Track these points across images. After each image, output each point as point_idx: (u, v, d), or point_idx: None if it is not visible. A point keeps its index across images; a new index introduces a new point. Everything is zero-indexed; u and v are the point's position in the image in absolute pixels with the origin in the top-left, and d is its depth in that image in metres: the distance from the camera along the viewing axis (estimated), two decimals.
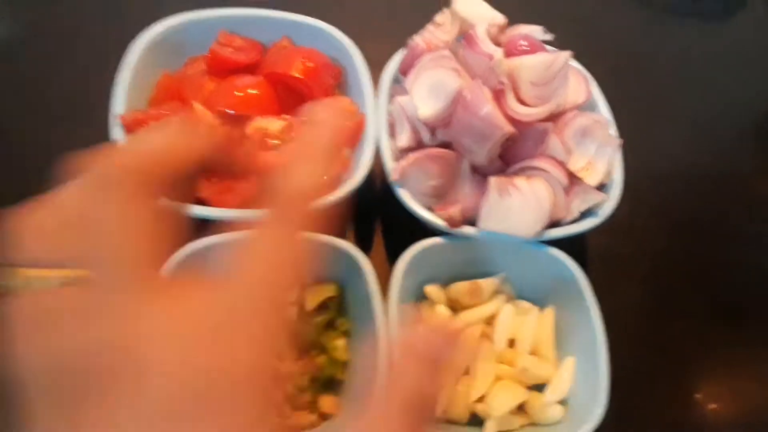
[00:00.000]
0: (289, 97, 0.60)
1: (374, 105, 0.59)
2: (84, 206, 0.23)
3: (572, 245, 0.55)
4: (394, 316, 0.50)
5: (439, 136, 0.57)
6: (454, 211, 0.53)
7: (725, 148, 0.76)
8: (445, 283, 0.57)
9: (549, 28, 0.60)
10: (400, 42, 0.61)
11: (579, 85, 0.59)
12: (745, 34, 0.86)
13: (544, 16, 0.63)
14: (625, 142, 0.58)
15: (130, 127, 0.55)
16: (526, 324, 0.55)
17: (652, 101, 0.78)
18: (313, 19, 0.63)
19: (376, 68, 0.61)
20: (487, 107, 0.50)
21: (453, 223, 0.53)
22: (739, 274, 0.67)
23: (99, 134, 0.60)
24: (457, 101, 0.52)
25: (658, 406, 0.60)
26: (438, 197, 0.56)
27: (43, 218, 0.24)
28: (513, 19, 0.61)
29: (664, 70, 0.81)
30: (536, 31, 0.61)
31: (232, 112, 0.57)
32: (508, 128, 0.50)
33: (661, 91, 0.80)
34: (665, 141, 0.75)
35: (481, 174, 0.55)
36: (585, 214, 0.55)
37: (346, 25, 0.63)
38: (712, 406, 0.60)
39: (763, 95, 0.81)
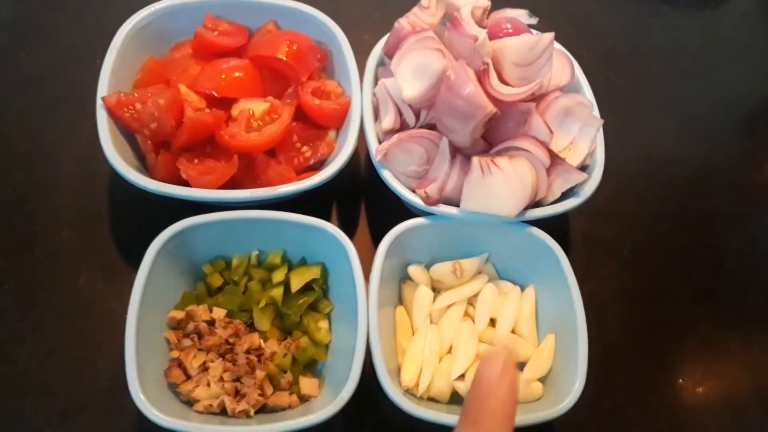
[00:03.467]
0: (274, 79, 0.61)
1: (359, 88, 0.59)
2: None
3: (555, 228, 0.55)
4: (375, 299, 0.50)
5: (423, 118, 0.57)
6: (431, 188, 0.53)
7: (711, 135, 0.77)
8: (429, 263, 0.58)
9: (534, 14, 0.61)
10: (386, 30, 0.61)
11: (563, 66, 0.59)
12: (735, 24, 0.87)
13: (530, 1, 0.63)
14: (610, 128, 0.58)
15: (113, 109, 0.55)
16: (507, 303, 0.55)
17: (639, 89, 0.79)
18: (298, 3, 0.63)
19: (362, 56, 0.62)
20: (470, 87, 0.50)
21: (429, 200, 0.53)
22: (721, 258, 0.68)
23: (86, 116, 0.61)
24: (441, 81, 0.52)
25: (638, 386, 0.60)
26: (421, 179, 0.56)
27: None
28: (498, 4, 0.61)
29: (652, 58, 0.82)
30: (521, 15, 0.61)
31: (216, 94, 0.58)
32: (491, 108, 0.50)
33: (648, 79, 0.80)
34: (651, 128, 0.76)
35: (464, 155, 0.55)
36: (567, 195, 0.55)
37: (333, 12, 0.63)
38: (692, 386, 0.60)
39: (750, 85, 0.82)
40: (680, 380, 0.61)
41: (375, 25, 0.65)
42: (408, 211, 0.61)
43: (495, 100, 0.51)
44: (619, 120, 0.72)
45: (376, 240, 0.63)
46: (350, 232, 0.64)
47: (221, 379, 0.50)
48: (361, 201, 0.66)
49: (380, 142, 0.56)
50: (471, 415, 0.36)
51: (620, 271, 0.65)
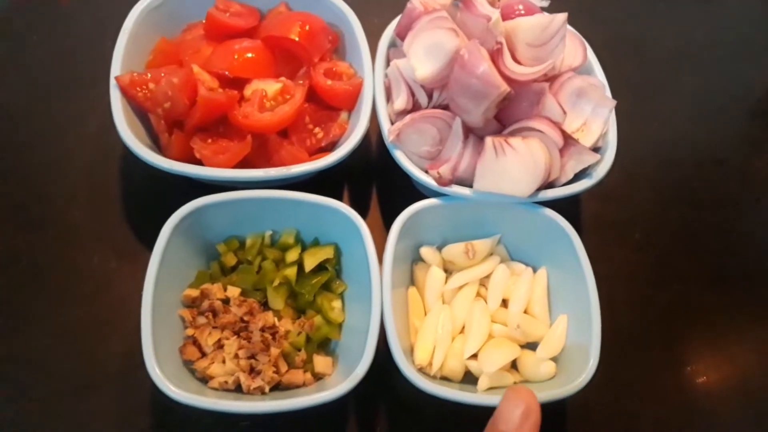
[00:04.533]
0: (286, 60, 0.61)
1: (371, 69, 0.59)
2: None
3: (567, 212, 0.55)
4: (388, 278, 0.51)
5: (436, 99, 0.57)
6: (444, 169, 0.53)
7: (720, 122, 0.77)
8: (441, 244, 0.58)
9: None
10: (396, 13, 0.61)
11: (575, 48, 0.59)
12: (744, 13, 0.86)
13: None
14: (620, 113, 0.58)
15: (126, 89, 0.55)
16: (519, 284, 0.55)
17: (648, 75, 0.79)
18: None
19: (372, 38, 0.61)
20: (484, 66, 0.50)
21: (442, 181, 0.53)
22: (731, 242, 0.68)
23: (99, 98, 0.61)
24: (454, 61, 0.52)
25: (648, 368, 0.60)
26: (434, 159, 0.56)
27: None
28: None
29: (662, 45, 0.81)
30: None
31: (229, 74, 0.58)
32: (505, 87, 0.50)
33: (657, 65, 0.80)
34: (660, 113, 0.76)
35: (477, 135, 0.55)
36: (579, 177, 0.55)
37: None
38: (701, 369, 0.61)
39: (759, 74, 0.81)
40: (690, 362, 0.61)
41: (384, 8, 0.65)
42: (419, 193, 0.62)
43: (509, 80, 0.51)
44: (629, 105, 0.71)
45: (387, 221, 0.63)
46: (362, 213, 0.63)
47: (236, 356, 0.50)
48: (373, 183, 0.66)
49: (392, 123, 0.56)
50: None
51: (631, 254, 0.65)
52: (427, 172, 0.55)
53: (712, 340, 0.62)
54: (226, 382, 0.49)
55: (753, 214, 0.70)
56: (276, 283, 0.54)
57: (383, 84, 0.59)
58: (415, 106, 0.57)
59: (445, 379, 0.53)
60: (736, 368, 0.62)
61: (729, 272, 0.66)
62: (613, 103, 0.55)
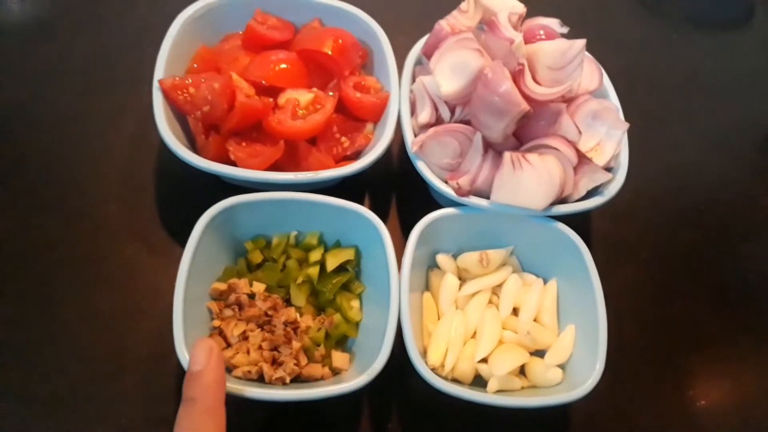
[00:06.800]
0: (318, 72, 0.64)
1: (398, 84, 0.63)
2: None
3: (578, 228, 0.58)
4: (406, 282, 0.53)
5: (458, 114, 0.60)
6: (463, 180, 0.56)
7: (728, 150, 0.79)
8: (456, 252, 0.61)
9: (564, 24, 0.64)
10: (420, 33, 0.65)
11: (592, 72, 0.62)
12: (756, 48, 0.90)
13: (559, 13, 0.66)
14: (632, 136, 0.61)
15: (168, 91, 0.58)
16: (530, 294, 0.58)
17: (662, 103, 0.82)
18: (343, 2, 0.67)
19: (397, 57, 0.65)
20: (506, 85, 0.53)
21: (461, 191, 0.56)
22: (737, 266, 0.70)
23: (136, 100, 0.65)
24: (478, 79, 0.55)
25: (650, 382, 0.62)
26: (454, 171, 0.59)
27: None
28: (530, 14, 0.65)
29: (676, 75, 0.85)
30: (553, 24, 0.65)
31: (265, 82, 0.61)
32: (525, 105, 0.53)
33: (669, 93, 0.83)
34: (672, 139, 0.79)
35: (496, 150, 0.58)
36: (591, 194, 0.58)
37: (374, 15, 0.67)
38: (702, 385, 0.63)
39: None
40: (691, 377, 0.63)
41: (411, 28, 0.68)
42: (435, 203, 0.65)
43: (528, 99, 0.54)
44: (641, 130, 0.74)
45: (405, 228, 0.66)
46: (382, 219, 0.65)
47: (260, 347, 0.53)
48: (393, 191, 0.69)
49: (416, 136, 0.60)
50: (189, 393, 0.43)
51: (638, 272, 0.68)
52: (446, 182, 0.58)
53: (713, 357, 0.64)
54: (249, 372, 0.52)
55: (758, 239, 0.73)
56: (299, 281, 0.57)
57: (408, 98, 0.62)
58: (438, 120, 0.60)
59: (455, 381, 0.55)
60: (736, 387, 0.64)
61: (732, 294, 0.68)
62: (626, 125, 0.59)
